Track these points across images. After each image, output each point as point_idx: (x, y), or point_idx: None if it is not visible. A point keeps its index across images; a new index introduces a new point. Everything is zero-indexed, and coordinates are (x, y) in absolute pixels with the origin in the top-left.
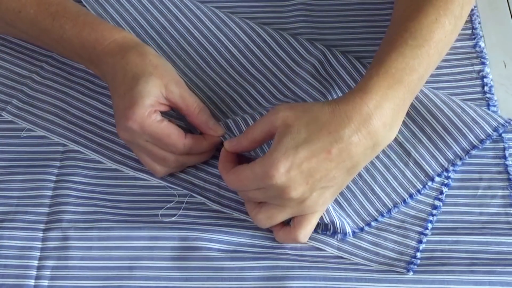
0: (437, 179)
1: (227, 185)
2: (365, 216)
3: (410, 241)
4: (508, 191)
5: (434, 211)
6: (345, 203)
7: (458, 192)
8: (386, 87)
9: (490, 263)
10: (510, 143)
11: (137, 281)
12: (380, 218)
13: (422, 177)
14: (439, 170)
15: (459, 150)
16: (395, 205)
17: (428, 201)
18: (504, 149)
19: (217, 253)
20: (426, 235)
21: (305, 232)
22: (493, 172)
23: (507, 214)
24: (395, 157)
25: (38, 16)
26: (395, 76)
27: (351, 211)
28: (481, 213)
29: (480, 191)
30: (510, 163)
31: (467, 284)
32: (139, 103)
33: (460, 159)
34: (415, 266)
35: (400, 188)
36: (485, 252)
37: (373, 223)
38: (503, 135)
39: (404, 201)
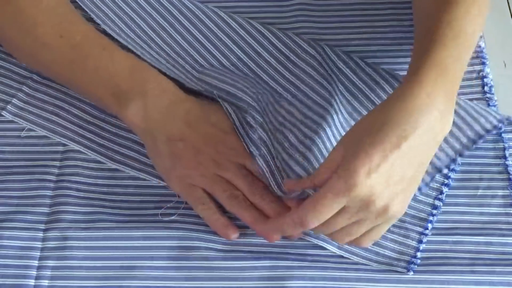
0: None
1: (303, 226)
2: None
3: (411, 241)
4: (508, 191)
5: (434, 211)
6: None
7: (458, 192)
8: (435, 76)
9: (491, 263)
10: (510, 143)
11: (137, 281)
12: None
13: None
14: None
15: (458, 145)
16: None
17: (428, 201)
18: (504, 149)
19: (216, 252)
20: (426, 235)
21: (372, 240)
22: (493, 172)
23: (507, 214)
24: None
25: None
26: (441, 65)
27: None
28: (481, 213)
29: (480, 191)
30: (510, 163)
31: (468, 284)
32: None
33: (460, 155)
34: (415, 266)
35: None
36: (485, 252)
37: None
38: (503, 135)
39: None
